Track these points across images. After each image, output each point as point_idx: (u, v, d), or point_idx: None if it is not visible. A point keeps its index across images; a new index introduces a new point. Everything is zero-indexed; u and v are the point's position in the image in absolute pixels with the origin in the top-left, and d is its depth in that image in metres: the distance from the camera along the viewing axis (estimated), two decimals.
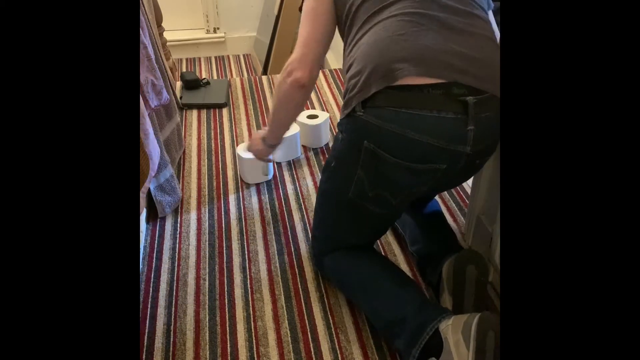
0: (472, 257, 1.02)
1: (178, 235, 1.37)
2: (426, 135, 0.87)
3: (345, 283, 1.11)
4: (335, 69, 2.33)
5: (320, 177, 1.58)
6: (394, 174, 0.93)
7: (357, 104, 0.91)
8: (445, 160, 0.90)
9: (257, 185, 1.56)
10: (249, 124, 1.91)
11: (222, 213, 1.45)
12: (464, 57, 0.87)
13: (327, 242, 1.14)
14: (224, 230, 1.38)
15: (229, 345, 1.07)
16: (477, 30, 0.90)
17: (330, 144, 1.76)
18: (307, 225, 1.40)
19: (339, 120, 1.01)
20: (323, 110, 2.02)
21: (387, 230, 1.20)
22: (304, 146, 1.75)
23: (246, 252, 1.31)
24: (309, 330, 1.11)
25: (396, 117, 0.87)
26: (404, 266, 1.26)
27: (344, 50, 1.03)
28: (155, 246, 1.34)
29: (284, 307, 1.16)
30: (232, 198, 1.50)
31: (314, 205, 1.46)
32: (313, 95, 2.11)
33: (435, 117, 0.86)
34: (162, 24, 1.86)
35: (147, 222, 1.42)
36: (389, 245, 1.33)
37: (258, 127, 1.89)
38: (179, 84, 2.14)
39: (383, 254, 1.30)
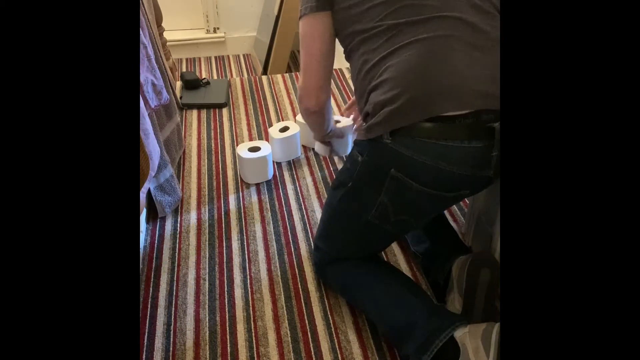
0: (487, 260, 1.01)
1: (178, 235, 1.37)
2: (456, 166, 0.87)
3: (350, 288, 1.10)
4: (335, 69, 2.33)
5: (318, 175, 1.59)
6: (419, 201, 0.93)
7: (385, 132, 0.89)
8: (470, 185, 0.92)
9: (257, 185, 1.56)
10: (249, 124, 1.91)
11: (222, 213, 1.45)
12: (492, 80, 0.86)
13: (331, 254, 1.13)
14: (224, 230, 1.38)
15: (229, 345, 1.07)
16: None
17: None
18: (307, 225, 1.40)
19: (356, 139, 0.99)
20: None
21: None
22: (304, 146, 1.75)
23: (246, 252, 1.31)
24: (309, 330, 1.11)
25: (427, 147, 0.86)
26: (404, 266, 1.26)
27: (354, 57, 1.00)
28: (155, 246, 1.34)
29: (284, 307, 1.16)
30: (232, 198, 1.50)
31: (314, 205, 1.47)
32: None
33: (465, 147, 0.86)
34: (162, 24, 1.86)
35: (147, 222, 1.42)
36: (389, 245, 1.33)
37: (258, 127, 1.89)
38: (179, 84, 2.13)
39: (383, 253, 1.30)
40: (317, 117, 1.13)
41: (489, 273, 1.00)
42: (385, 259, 1.29)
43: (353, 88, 1.06)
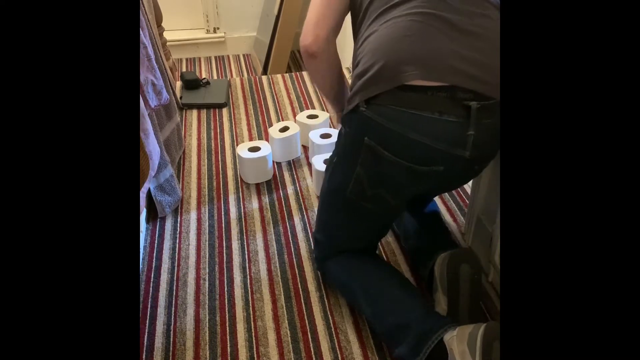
0: (465, 256, 1.02)
1: (178, 235, 1.37)
2: (426, 137, 0.87)
3: (348, 287, 1.10)
4: None
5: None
6: (392, 173, 0.93)
7: (361, 101, 0.90)
8: (443, 162, 0.90)
9: (257, 185, 1.56)
10: (249, 124, 1.91)
11: (222, 213, 1.45)
12: (472, 61, 0.86)
13: (329, 245, 1.13)
14: (224, 230, 1.38)
15: (229, 345, 1.07)
16: (490, 33, 0.88)
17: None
18: (307, 225, 1.40)
19: (342, 115, 1.01)
20: (323, 110, 2.02)
21: (387, 231, 1.19)
22: (304, 146, 1.75)
23: (246, 252, 1.31)
24: (309, 330, 1.11)
25: (398, 116, 0.87)
26: (403, 266, 1.26)
27: (354, 46, 1.01)
28: (155, 246, 1.34)
29: (284, 307, 1.16)
30: (232, 198, 1.50)
31: (314, 205, 1.47)
32: (313, 95, 2.11)
33: (436, 119, 0.86)
34: (162, 24, 1.86)
35: (147, 222, 1.42)
36: (389, 245, 1.33)
37: (258, 127, 1.89)
38: (179, 84, 2.13)
39: (383, 253, 1.30)
40: (318, 63, 1.03)
41: (469, 268, 1.00)
42: (386, 259, 1.29)
43: None
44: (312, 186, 1.55)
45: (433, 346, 0.90)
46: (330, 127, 1.84)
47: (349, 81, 1.01)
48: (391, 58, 0.87)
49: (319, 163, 1.46)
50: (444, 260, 1.03)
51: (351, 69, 1.02)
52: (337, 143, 1.04)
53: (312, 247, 1.32)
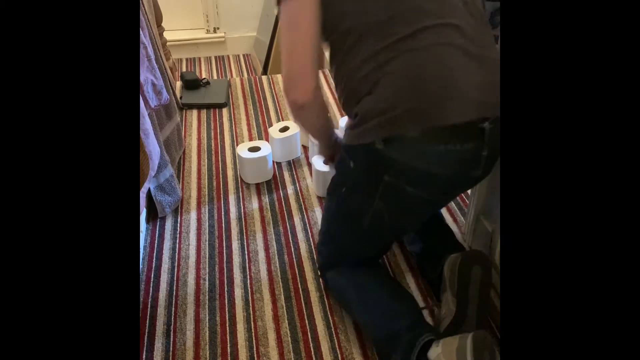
0: (476, 257, 1.00)
1: (178, 235, 1.37)
2: (449, 169, 0.88)
3: (344, 297, 1.11)
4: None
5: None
6: (414, 205, 0.94)
7: (377, 138, 0.86)
8: (462, 186, 0.95)
9: (257, 185, 1.56)
10: (249, 124, 1.91)
11: (222, 213, 1.45)
12: (488, 88, 0.85)
13: (333, 258, 1.13)
14: (224, 230, 1.38)
15: (229, 345, 1.07)
16: (493, 54, 0.89)
17: None
18: (307, 225, 1.40)
19: (344, 144, 0.95)
20: None
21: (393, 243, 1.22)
22: (304, 146, 1.75)
23: (246, 252, 1.31)
24: (309, 330, 1.11)
25: (422, 153, 0.86)
26: (403, 266, 1.26)
27: (350, 54, 0.91)
28: (155, 246, 1.34)
29: (284, 307, 1.16)
30: (232, 198, 1.50)
31: (314, 205, 1.47)
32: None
33: (457, 150, 0.86)
34: (162, 24, 1.86)
35: (147, 222, 1.42)
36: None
37: (258, 127, 1.89)
38: (179, 84, 2.13)
39: (384, 256, 1.30)
40: (307, 113, 0.97)
41: (480, 270, 0.99)
42: (386, 259, 1.29)
43: (334, 82, 0.98)
44: (312, 186, 1.55)
45: (418, 352, 0.90)
46: None
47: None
48: (415, 99, 0.83)
49: (319, 163, 1.46)
50: (455, 262, 1.01)
51: (341, 74, 0.94)
52: (340, 172, 0.99)
53: (314, 250, 1.32)
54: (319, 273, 1.20)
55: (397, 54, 0.85)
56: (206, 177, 1.60)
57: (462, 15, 0.87)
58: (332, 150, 1.15)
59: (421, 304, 1.16)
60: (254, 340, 1.08)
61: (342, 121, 1.64)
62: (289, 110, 0.98)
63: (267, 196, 1.51)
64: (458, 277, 1.00)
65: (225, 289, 1.21)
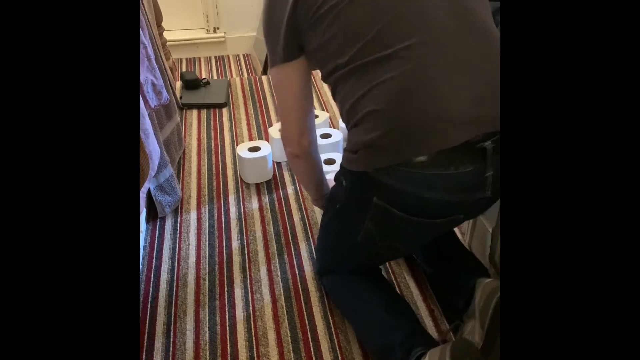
0: None
1: (178, 235, 1.37)
2: (444, 193, 0.82)
3: (339, 303, 1.12)
4: None
5: None
6: (406, 228, 0.89)
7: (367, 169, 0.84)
8: (463, 210, 0.87)
9: (257, 185, 1.56)
10: (249, 124, 1.91)
11: (222, 213, 1.45)
12: (479, 100, 0.79)
13: (329, 265, 1.13)
14: (224, 230, 1.38)
15: (229, 345, 1.07)
16: (493, 58, 0.82)
17: None
18: (307, 225, 1.40)
19: (340, 165, 0.93)
20: (323, 110, 2.02)
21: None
22: None
23: (246, 252, 1.31)
24: (309, 330, 1.11)
25: (411, 177, 0.81)
26: (406, 273, 1.26)
27: (337, 94, 0.90)
28: (155, 246, 1.34)
29: (284, 307, 1.16)
30: (232, 198, 1.50)
31: (314, 205, 1.47)
32: (313, 95, 2.11)
33: (452, 174, 0.80)
34: (162, 24, 1.86)
35: (147, 222, 1.42)
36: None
37: (258, 127, 1.89)
38: (179, 84, 2.13)
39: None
40: (303, 163, 1.06)
41: None
42: (390, 266, 1.29)
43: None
44: None
45: None
46: (331, 127, 1.84)
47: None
48: (400, 128, 0.80)
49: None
50: (491, 295, 0.92)
51: (342, 114, 0.91)
52: (336, 190, 0.98)
53: (314, 250, 1.32)
54: (317, 276, 1.21)
55: (375, 84, 0.81)
56: (206, 177, 1.60)
57: (442, 16, 0.81)
58: (323, 201, 1.17)
59: (423, 309, 1.16)
60: (254, 341, 1.08)
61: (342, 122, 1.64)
62: (287, 159, 1.07)
63: (267, 196, 1.51)
64: (492, 314, 0.90)
65: (225, 289, 1.21)
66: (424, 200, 0.83)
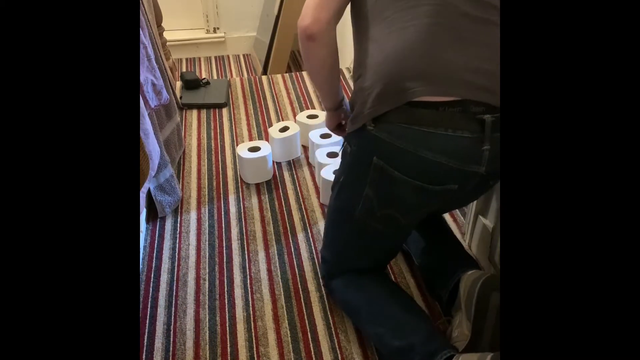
0: (497, 283, 0.95)
1: (178, 235, 1.37)
2: (439, 155, 0.84)
3: (352, 307, 1.08)
4: None
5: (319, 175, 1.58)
6: (403, 194, 0.90)
7: (368, 120, 0.87)
8: (458, 180, 0.88)
9: (257, 185, 1.56)
10: (249, 124, 1.91)
11: (222, 213, 1.45)
12: (482, 72, 0.82)
13: (336, 263, 1.11)
14: (224, 230, 1.38)
15: (229, 345, 1.07)
16: (496, 41, 0.84)
17: None
18: (307, 225, 1.40)
19: (347, 132, 0.96)
20: (323, 110, 2.02)
21: (397, 253, 1.17)
22: (304, 146, 1.75)
23: (246, 252, 1.31)
24: (309, 330, 1.11)
25: (409, 133, 0.83)
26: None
27: (355, 47, 0.95)
28: (155, 246, 1.34)
29: (284, 307, 1.16)
30: (232, 198, 1.50)
31: (314, 205, 1.47)
32: (313, 95, 2.11)
33: (449, 135, 0.82)
34: (162, 24, 1.86)
35: (147, 222, 1.42)
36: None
37: (258, 127, 1.89)
38: (179, 84, 2.13)
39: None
40: (317, 47, 0.94)
41: (499, 296, 0.93)
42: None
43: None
44: (313, 186, 1.55)
45: None
46: None
47: (348, 81, 0.98)
48: (396, 76, 0.83)
49: (327, 173, 1.43)
50: (473, 285, 0.96)
51: (352, 73, 0.98)
52: (342, 161, 1.00)
53: (314, 250, 1.32)
54: (322, 282, 1.18)
55: (384, 33, 0.85)
56: (206, 177, 1.60)
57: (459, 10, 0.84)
58: (339, 116, 1.13)
59: (423, 309, 1.15)
60: (254, 340, 1.08)
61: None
62: (300, 46, 0.96)
63: (267, 196, 1.51)
64: (476, 303, 0.94)
65: (225, 289, 1.21)
66: (420, 159, 0.84)
